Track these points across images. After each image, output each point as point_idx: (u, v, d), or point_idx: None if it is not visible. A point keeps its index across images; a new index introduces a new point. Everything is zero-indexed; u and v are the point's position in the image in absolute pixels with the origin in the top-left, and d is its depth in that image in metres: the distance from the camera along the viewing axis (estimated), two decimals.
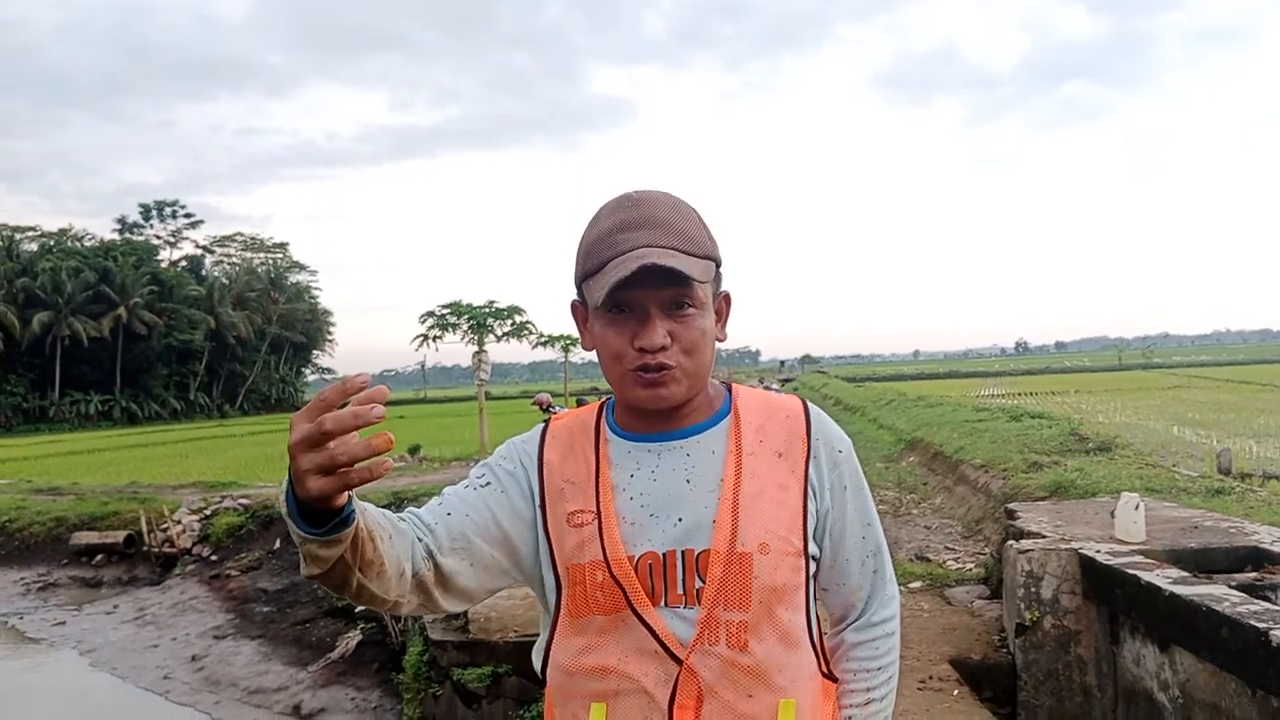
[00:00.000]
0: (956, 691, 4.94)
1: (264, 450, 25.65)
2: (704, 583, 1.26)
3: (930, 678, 5.10)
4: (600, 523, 1.30)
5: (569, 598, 1.31)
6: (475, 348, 21.63)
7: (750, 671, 1.27)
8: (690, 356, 1.29)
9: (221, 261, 77.72)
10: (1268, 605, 4.14)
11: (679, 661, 1.26)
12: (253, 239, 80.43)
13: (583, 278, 1.31)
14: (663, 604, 1.28)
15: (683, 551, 1.29)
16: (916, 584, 7.05)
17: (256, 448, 27.31)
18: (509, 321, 22.48)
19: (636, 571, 1.28)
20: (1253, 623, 3.82)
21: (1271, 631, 3.69)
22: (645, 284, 1.24)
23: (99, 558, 14.71)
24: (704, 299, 1.30)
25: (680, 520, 1.30)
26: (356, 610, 10.06)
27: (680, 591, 1.28)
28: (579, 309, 1.38)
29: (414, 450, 20.07)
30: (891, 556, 1.48)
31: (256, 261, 78.09)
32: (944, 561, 8.27)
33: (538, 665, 1.38)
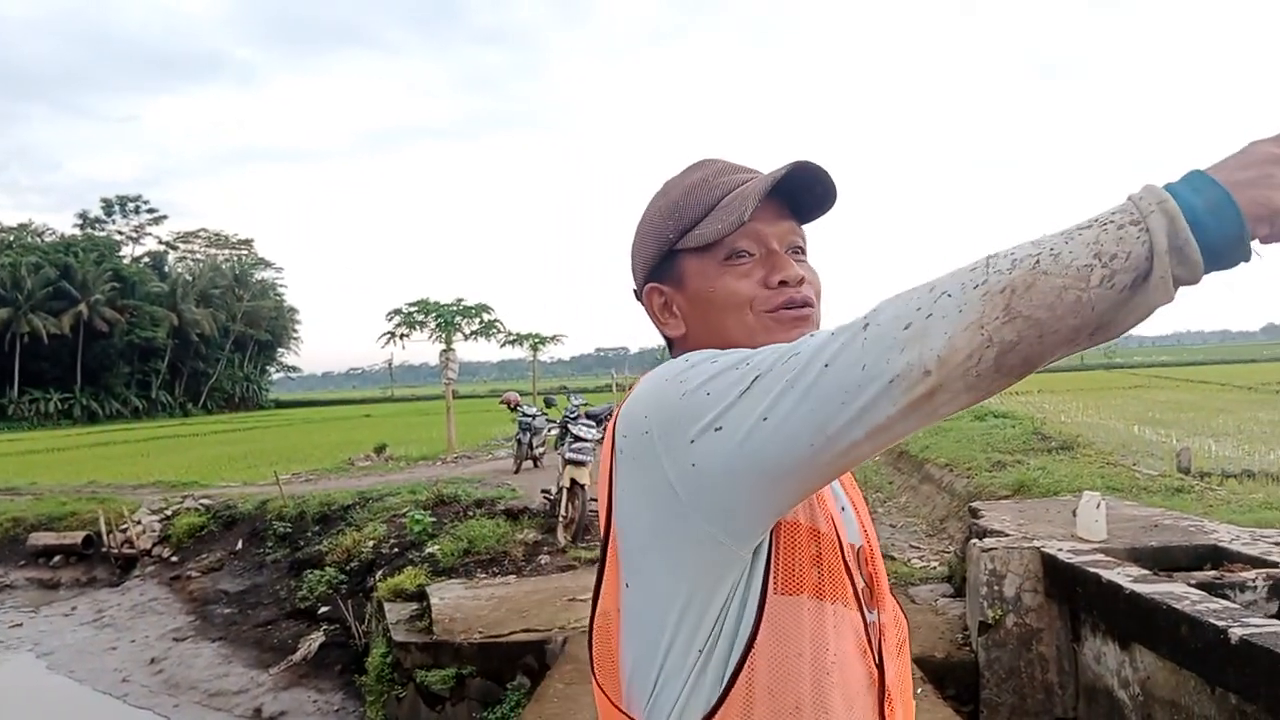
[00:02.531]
0: (920, 690, 4.96)
1: (227, 450, 25.34)
2: (864, 581, 1.13)
3: None
4: None
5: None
6: (443, 346, 21.51)
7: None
8: (817, 305, 1.16)
9: (185, 258, 76.96)
10: (1226, 604, 4.19)
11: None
12: (217, 235, 79.63)
13: (687, 228, 1.15)
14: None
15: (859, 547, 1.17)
16: None
17: (219, 447, 26.97)
18: (477, 320, 22.39)
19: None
20: (1212, 621, 3.85)
21: (1230, 629, 3.73)
22: (765, 218, 1.12)
23: (57, 559, 14.45)
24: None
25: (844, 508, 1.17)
26: (320, 612, 9.97)
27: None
28: (654, 293, 1.19)
29: (380, 449, 19.92)
30: None
31: (221, 258, 77.35)
32: (909, 560, 8.32)
33: None
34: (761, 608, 1.01)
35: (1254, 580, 4.65)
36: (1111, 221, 0.84)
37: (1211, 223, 0.81)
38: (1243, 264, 0.84)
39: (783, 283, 1.12)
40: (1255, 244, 0.84)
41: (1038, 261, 0.83)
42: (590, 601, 1.16)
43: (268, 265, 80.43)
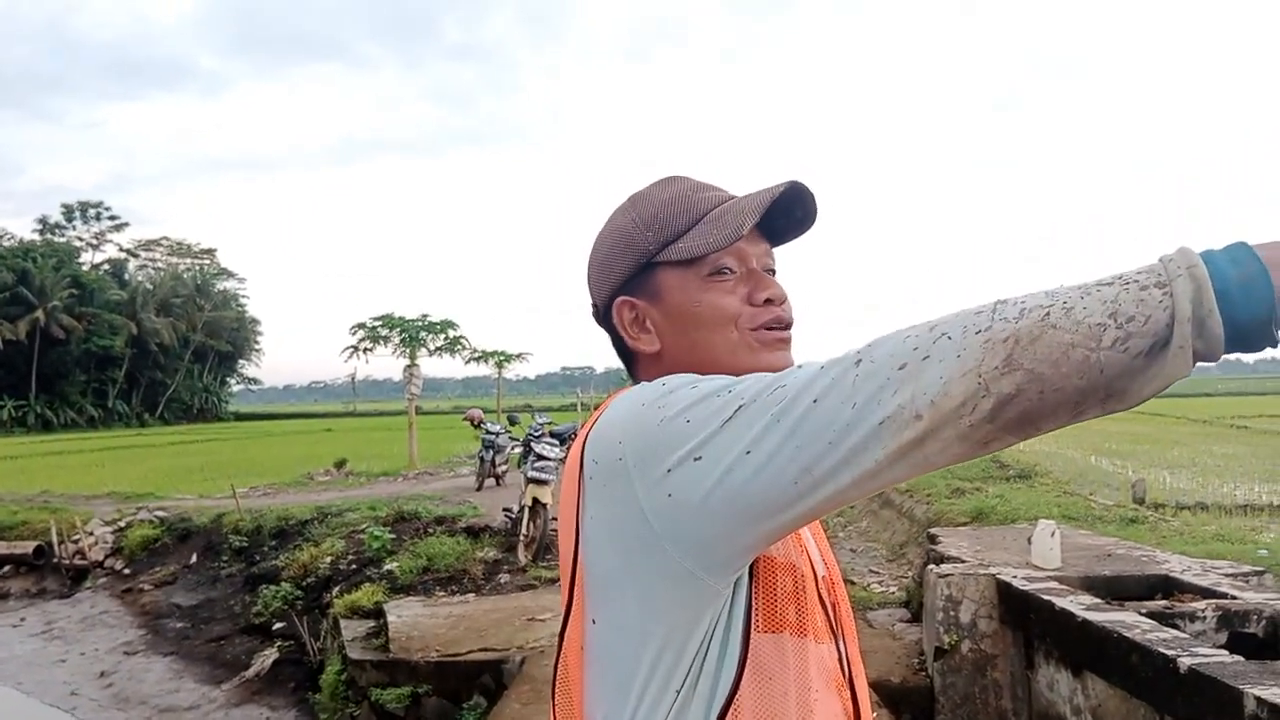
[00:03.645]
0: (875, 714, 4.98)
1: (183, 461, 24.98)
2: (830, 611, 1.10)
3: None
4: None
5: None
6: (407, 361, 21.40)
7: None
8: (792, 327, 1.14)
9: (146, 266, 75.88)
10: (1176, 633, 4.25)
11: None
12: (179, 244, 78.61)
13: (669, 240, 1.11)
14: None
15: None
16: None
17: (176, 458, 26.58)
18: (442, 336, 22.34)
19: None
20: (1162, 650, 3.92)
21: (1179, 659, 3.79)
22: (748, 236, 1.10)
23: (6, 569, 14.12)
24: None
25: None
26: (274, 628, 9.84)
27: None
28: (625, 307, 1.14)
29: (340, 464, 19.72)
30: None
31: (183, 267, 76.35)
32: (868, 585, 8.36)
33: None
34: (745, 647, 0.97)
35: (1204, 611, 4.73)
36: (1135, 281, 0.79)
37: (1240, 298, 0.76)
38: (1269, 349, 0.79)
39: (768, 301, 1.11)
40: None
41: (1048, 314, 0.79)
42: (558, 637, 1.10)
43: (230, 275, 79.58)
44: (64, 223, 71.60)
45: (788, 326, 1.13)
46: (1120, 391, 0.79)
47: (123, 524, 14.35)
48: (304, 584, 10.19)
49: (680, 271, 1.10)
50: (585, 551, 1.01)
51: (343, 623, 7.72)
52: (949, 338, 0.82)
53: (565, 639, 1.06)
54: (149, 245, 77.14)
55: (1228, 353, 0.78)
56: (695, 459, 0.89)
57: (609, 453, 0.97)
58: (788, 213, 1.12)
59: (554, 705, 1.09)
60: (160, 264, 76.43)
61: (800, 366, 0.91)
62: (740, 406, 0.89)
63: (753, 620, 0.98)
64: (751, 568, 1.00)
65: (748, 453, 0.87)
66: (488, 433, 15.26)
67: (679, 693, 0.96)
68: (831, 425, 0.84)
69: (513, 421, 16.55)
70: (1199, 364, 0.78)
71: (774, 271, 1.15)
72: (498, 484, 15.02)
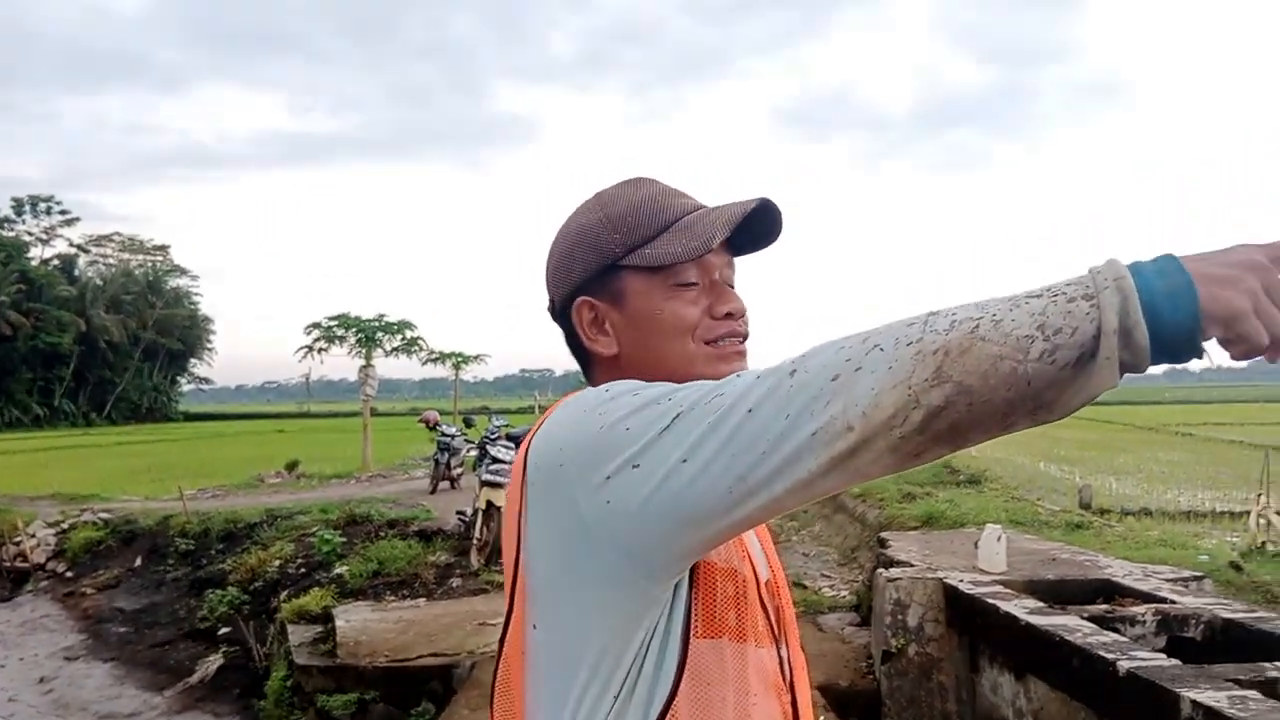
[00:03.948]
0: (823, 718, 5.01)
1: (130, 462, 24.50)
2: (773, 615, 1.12)
3: None
4: None
5: None
6: (362, 362, 21.19)
7: None
8: (748, 340, 1.16)
9: (97, 262, 74.28)
10: (1116, 637, 4.33)
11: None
12: (131, 240, 77.06)
13: (636, 245, 1.11)
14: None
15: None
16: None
17: (122, 459, 26.06)
18: (399, 336, 22.12)
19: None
20: (1101, 653, 3.98)
21: (1119, 662, 3.85)
22: (715, 248, 1.10)
23: None
24: None
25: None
26: (220, 633, 9.69)
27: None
28: (585, 307, 1.14)
29: (292, 466, 19.46)
30: None
31: (134, 263, 74.89)
32: (820, 589, 8.42)
33: None
34: (684, 652, 0.98)
35: (1143, 615, 4.81)
36: (1063, 293, 0.79)
37: (1166, 310, 0.76)
38: (1195, 360, 0.79)
39: (728, 314, 1.11)
40: (1213, 343, 0.78)
41: (977, 326, 0.79)
42: (498, 643, 1.10)
43: (183, 272, 78.04)
44: (13, 217, 69.92)
45: (744, 339, 1.14)
46: (1048, 403, 0.79)
47: (66, 526, 14.05)
48: (251, 588, 10.04)
49: (645, 277, 1.10)
50: (526, 557, 1.01)
51: (290, 628, 7.61)
52: (881, 349, 0.82)
53: (506, 644, 1.06)
54: (100, 241, 75.59)
55: (1154, 364, 0.78)
56: (634, 466, 0.89)
57: (550, 458, 0.97)
58: (751, 226, 1.13)
59: (494, 711, 1.09)
60: (111, 260, 74.93)
61: (739, 375, 0.91)
62: (679, 414, 0.89)
63: (692, 626, 0.99)
64: (692, 573, 0.99)
65: (684, 460, 0.87)
66: (443, 435, 15.14)
67: (616, 698, 0.96)
68: (765, 435, 0.84)
69: (468, 424, 16.44)
70: (1127, 374, 0.78)
71: (733, 283, 1.16)
72: (452, 487, 14.92)
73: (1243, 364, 0.83)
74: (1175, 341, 0.77)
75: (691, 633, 0.98)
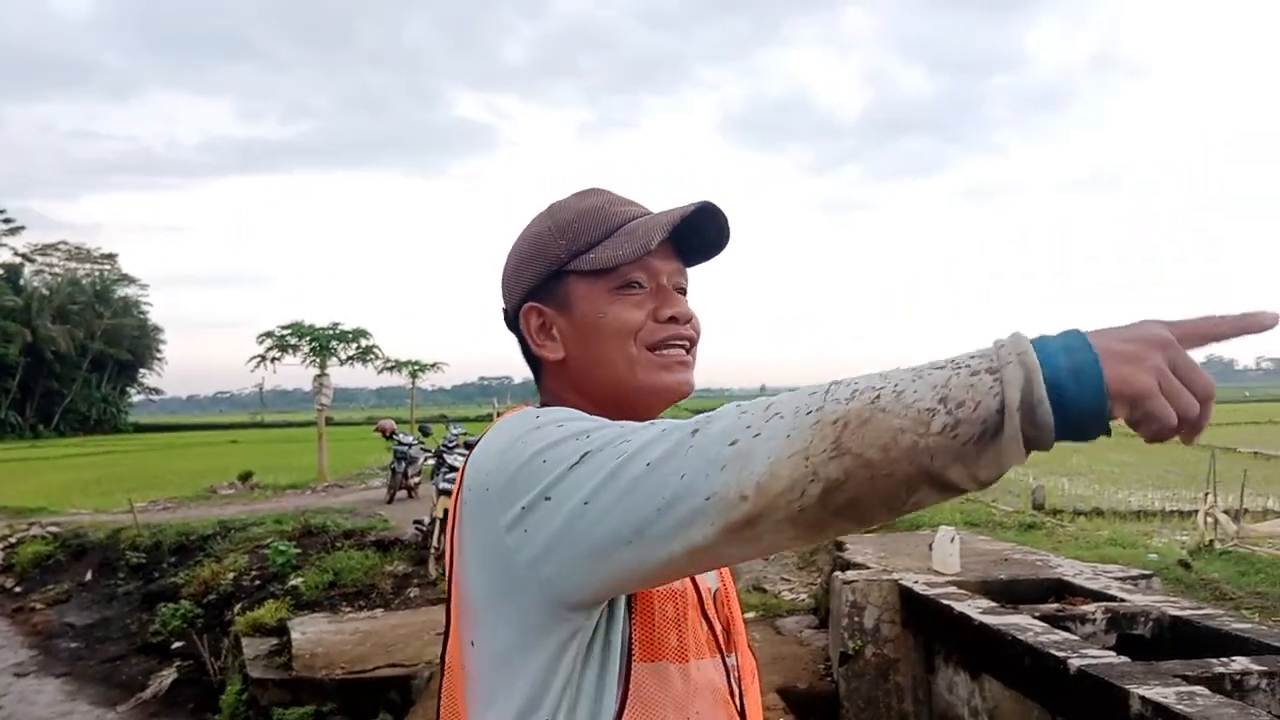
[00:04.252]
0: None
1: (79, 475, 24.00)
2: (721, 625, 1.13)
3: None
4: None
5: None
6: (317, 370, 20.93)
7: None
8: (696, 348, 1.15)
9: (43, 271, 72.64)
10: (1067, 635, 4.40)
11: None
12: (78, 248, 75.44)
13: (580, 250, 1.11)
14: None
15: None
16: (750, 614, 7.18)
17: (71, 472, 25.53)
18: (354, 345, 21.87)
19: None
20: (1053, 651, 4.05)
21: (1069, 660, 3.92)
22: (660, 253, 1.11)
23: None
24: None
25: None
26: (173, 647, 9.52)
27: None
28: (533, 313, 1.15)
29: (245, 477, 19.18)
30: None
31: (82, 272, 73.41)
32: (779, 592, 8.45)
33: None
34: (626, 676, 0.97)
35: (1094, 613, 4.90)
36: (966, 366, 0.76)
37: (1071, 388, 0.73)
38: (1102, 437, 0.75)
39: (672, 319, 1.11)
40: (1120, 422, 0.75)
41: (878, 397, 0.76)
42: (439, 657, 1.10)
43: (131, 281, 76.52)
44: None
45: (690, 346, 1.13)
46: (953, 480, 0.75)
47: (13, 540, 13.72)
48: (204, 601, 9.88)
49: (590, 282, 1.11)
50: (459, 574, 1.00)
51: (244, 641, 7.50)
52: (781, 417, 0.79)
53: (448, 655, 1.06)
54: (46, 250, 73.93)
55: (1060, 440, 0.75)
56: (546, 499, 0.89)
57: (479, 481, 0.97)
58: (701, 233, 1.13)
59: (439, 711, 1.08)
60: (58, 269, 73.30)
61: (651, 424, 0.90)
62: (587, 453, 0.88)
63: (633, 650, 0.99)
64: (630, 597, 0.99)
65: (586, 503, 0.86)
66: (399, 444, 15.01)
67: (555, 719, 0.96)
68: (661, 493, 0.82)
69: (425, 433, 16.32)
70: (1033, 452, 0.75)
71: (685, 290, 1.16)
72: (409, 496, 14.78)
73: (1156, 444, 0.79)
74: (1081, 419, 0.74)
75: (633, 657, 0.98)
